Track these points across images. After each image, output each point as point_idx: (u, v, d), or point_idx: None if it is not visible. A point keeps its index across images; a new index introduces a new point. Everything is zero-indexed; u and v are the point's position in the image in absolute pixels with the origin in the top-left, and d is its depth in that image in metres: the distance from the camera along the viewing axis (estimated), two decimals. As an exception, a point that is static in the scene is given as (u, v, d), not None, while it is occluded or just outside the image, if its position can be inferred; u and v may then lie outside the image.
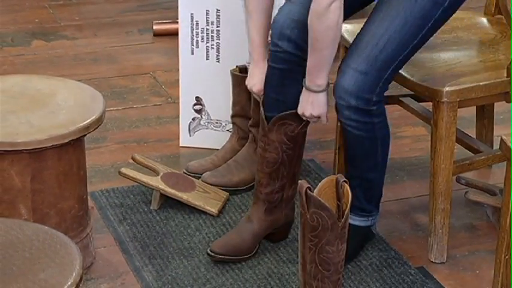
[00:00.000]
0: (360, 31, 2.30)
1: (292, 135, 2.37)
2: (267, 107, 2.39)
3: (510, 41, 2.55)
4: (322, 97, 2.29)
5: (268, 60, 2.38)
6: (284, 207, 2.47)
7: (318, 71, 2.25)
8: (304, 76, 2.30)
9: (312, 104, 2.29)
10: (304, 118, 2.34)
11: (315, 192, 2.02)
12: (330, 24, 2.17)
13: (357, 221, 2.44)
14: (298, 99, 2.33)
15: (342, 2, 2.17)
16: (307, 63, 2.26)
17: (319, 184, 2.06)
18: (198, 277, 2.39)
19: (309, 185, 2.01)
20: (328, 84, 2.29)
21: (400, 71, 2.44)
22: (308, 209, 1.99)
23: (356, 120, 2.30)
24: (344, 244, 2.03)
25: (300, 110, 2.33)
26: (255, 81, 2.42)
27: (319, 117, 2.32)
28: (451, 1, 2.29)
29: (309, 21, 2.21)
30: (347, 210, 2.01)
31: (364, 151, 2.36)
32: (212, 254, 2.41)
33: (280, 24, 2.35)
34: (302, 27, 2.29)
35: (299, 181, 2.04)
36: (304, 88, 2.30)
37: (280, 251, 2.49)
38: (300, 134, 2.39)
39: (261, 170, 2.42)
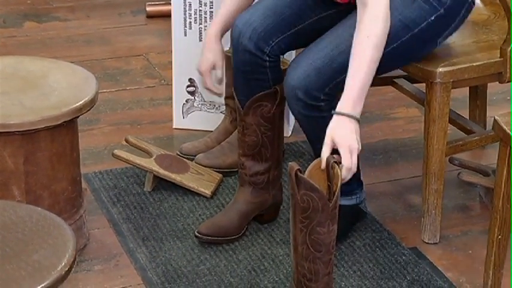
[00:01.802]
0: (324, 33, 2.24)
1: (268, 116, 2.36)
2: (238, 92, 2.39)
3: (503, 21, 2.54)
4: (356, 126, 2.09)
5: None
6: (271, 189, 2.47)
7: (360, 95, 2.10)
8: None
9: (357, 134, 2.07)
10: (349, 165, 2.06)
11: (306, 174, 2.02)
12: (375, 42, 2.07)
13: (341, 200, 2.42)
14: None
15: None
16: (348, 89, 2.10)
17: (310, 165, 2.06)
18: (191, 258, 2.39)
19: (299, 167, 2.00)
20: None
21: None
22: (299, 190, 1.99)
23: (305, 115, 2.24)
24: (335, 225, 2.04)
25: (346, 150, 2.05)
26: (201, 62, 2.38)
27: (353, 157, 2.07)
28: (423, 29, 2.24)
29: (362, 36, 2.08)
30: (337, 191, 2.02)
31: (320, 139, 2.18)
32: (199, 235, 2.41)
33: (238, 35, 2.34)
34: (261, 37, 2.30)
35: (290, 163, 2.02)
36: (340, 118, 2.09)
37: (273, 232, 2.50)
38: (277, 114, 2.38)
39: (243, 153, 2.42)
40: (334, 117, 2.10)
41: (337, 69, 2.20)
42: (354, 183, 2.42)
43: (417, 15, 2.24)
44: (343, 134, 2.07)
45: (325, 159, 2.05)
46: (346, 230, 2.46)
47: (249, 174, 2.43)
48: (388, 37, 2.15)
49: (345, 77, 2.15)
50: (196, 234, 2.42)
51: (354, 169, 2.08)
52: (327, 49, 2.22)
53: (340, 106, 2.11)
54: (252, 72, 2.37)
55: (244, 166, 2.44)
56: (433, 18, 2.26)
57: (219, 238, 2.42)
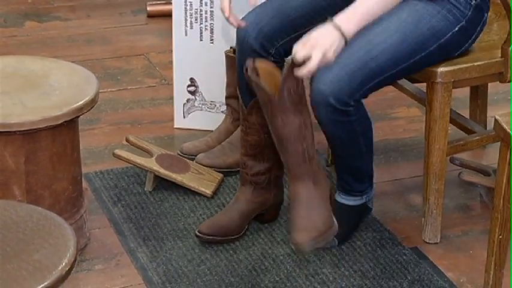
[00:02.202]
0: (355, 36, 2.20)
1: None
2: (242, 92, 2.39)
3: (504, 21, 2.54)
4: (340, 43, 2.14)
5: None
6: (272, 188, 2.47)
7: (359, 17, 2.15)
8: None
9: (330, 41, 2.12)
10: (300, 50, 2.11)
11: (260, 71, 2.14)
12: None
13: (351, 201, 2.44)
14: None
15: None
16: (352, 9, 2.15)
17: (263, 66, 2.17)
18: (192, 258, 2.39)
19: (255, 65, 2.13)
20: (350, 38, 2.16)
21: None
22: (251, 84, 2.15)
23: (333, 120, 2.23)
24: (291, 117, 2.11)
25: (306, 36, 2.12)
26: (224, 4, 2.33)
27: (318, 58, 2.10)
28: (448, 40, 2.27)
29: None
30: (281, 85, 2.11)
31: (344, 146, 2.31)
32: (200, 235, 2.41)
33: (243, 34, 2.34)
34: (267, 38, 2.31)
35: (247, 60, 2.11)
36: (330, 23, 2.14)
37: (274, 232, 2.50)
38: None
39: (245, 153, 2.43)
40: (327, 24, 2.14)
41: (368, 75, 2.20)
42: (367, 183, 2.44)
43: (443, 26, 2.26)
44: (325, 40, 2.12)
45: (294, 55, 2.11)
46: (354, 228, 2.46)
47: (251, 173, 2.43)
48: (416, 46, 2.21)
49: (374, 84, 2.21)
50: (197, 233, 2.42)
51: (311, 71, 2.11)
52: (360, 53, 2.19)
53: (339, 19, 2.15)
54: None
55: (245, 166, 2.44)
56: (456, 29, 2.28)
57: (220, 238, 2.42)
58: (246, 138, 2.41)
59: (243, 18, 2.36)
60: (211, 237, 2.41)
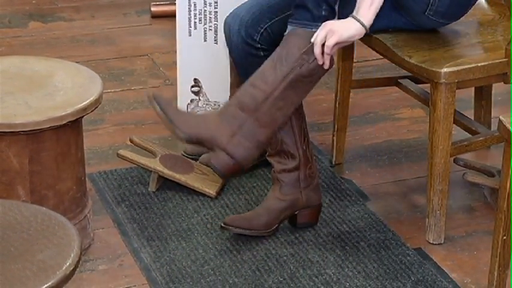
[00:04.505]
0: None
1: None
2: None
3: (508, 22, 2.54)
4: (355, 26, 2.23)
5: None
6: (302, 188, 2.44)
7: (369, 5, 2.23)
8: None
9: (343, 23, 2.24)
10: (316, 37, 2.24)
11: None
12: None
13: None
14: None
15: None
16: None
17: None
18: (196, 258, 2.39)
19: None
20: (367, 29, 2.25)
21: (398, 53, 2.44)
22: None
23: (243, 50, 2.35)
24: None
25: (325, 22, 2.24)
26: None
27: (332, 34, 2.22)
28: None
29: None
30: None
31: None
32: (224, 226, 2.39)
33: (228, 29, 2.43)
34: (249, 26, 2.38)
35: None
36: (351, 20, 2.25)
37: (278, 232, 2.50)
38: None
39: (269, 153, 2.43)
40: (348, 18, 2.25)
41: (273, 9, 2.31)
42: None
43: None
44: (339, 25, 2.24)
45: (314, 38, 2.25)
46: None
47: (276, 171, 2.43)
48: None
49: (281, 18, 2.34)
50: (222, 225, 2.40)
51: (316, 44, 2.23)
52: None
53: (356, 12, 2.24)
54: (250, 65, 2.38)
55: (272, 165, 2.44)
56: None
57: (245, 230, 2.40)
58: None
59: (226, 17, 2.45)
60: (237, 229, 2.39)
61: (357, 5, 2.26)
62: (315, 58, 2.26)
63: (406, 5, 2.42)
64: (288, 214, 2.46)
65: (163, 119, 2.25)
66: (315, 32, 2.26)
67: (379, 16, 2.29)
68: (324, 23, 2.25)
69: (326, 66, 2.27)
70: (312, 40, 2.25)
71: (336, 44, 2.24)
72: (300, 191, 2.44)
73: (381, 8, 2.27)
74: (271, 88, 2.26)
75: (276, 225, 2.44)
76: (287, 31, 2.31)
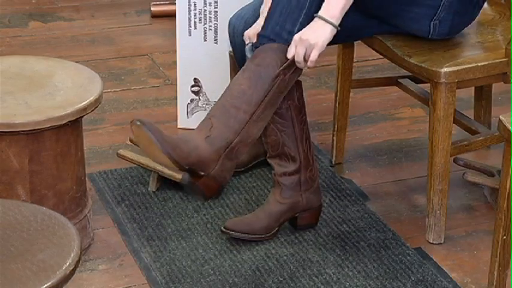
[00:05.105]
0: None
1: (281, 111, 2.35)
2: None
3: (508, 22, 2.54)
4: (327, 31, 2.22)
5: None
6: (303, 191, 2.44)
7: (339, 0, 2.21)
8: None
9: (315, 31, 2.22)
10: (294, 46, 2.24)
11: None
12: None
13: None
14: None
15: None
16: None
17: None
18: (196, 258, 2.39)
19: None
20: (338, 26, 2.23)
21: (398, 53, 2.44)
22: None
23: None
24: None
25: (297, 34, 2.24)
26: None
27: (312, 48, 2.22)
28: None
29: None
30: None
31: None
32: (226, 230, 2.40)
33: (232, 29, 2.44)
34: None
35: None
36: (316, 18, 2.24)
37: (278, 232, 2.49)
38: (291, 108, 2.36)
39: (269, 155, 2.43)
40: (314, 20, 2.23)
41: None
42: None
43: None
44: (317, 37, 2.22)
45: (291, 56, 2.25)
46: None
47: (277, 174, 2.43)
48: None
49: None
50: (223, 229, 2.40)
51: (300, 60, 2.23)
52: None
53: (322, 11, 2.23)
54: None
55: (273, 167, 2.44)
56: None
57: (245, 234, 2.40)
58: (266, 140, 2.40)
59: (231, 18, 2.46)
60: (237, 233, 2.39)
61: (325, 3, 2.23)
62: (292, 71, 2.27)
63: (409, 32, 2.43)
64: (288, 217, 2.46)
65: (157, 148, 2.29)
66: (288, 45, 2.25)
67: (380, 23, 2.31)
68: (295, 36, 2.24)
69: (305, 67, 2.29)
70: (289, 56, 2.25)
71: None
72: (300, 194, 2.44)
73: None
74: (254, 108, 2.27)
75: (276, 228, 2.44)
76: (253, 47, 2.31)
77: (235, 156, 2.30)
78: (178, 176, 2.64)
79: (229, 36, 2.47)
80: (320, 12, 2.23)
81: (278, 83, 2.26)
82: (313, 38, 2.22)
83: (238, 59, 2.48)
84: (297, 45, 2.23)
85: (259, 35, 2.29)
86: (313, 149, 2.48)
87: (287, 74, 2.27)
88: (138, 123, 2.29)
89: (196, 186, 2.31)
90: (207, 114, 2.32)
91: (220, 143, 2.27)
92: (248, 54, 2.32)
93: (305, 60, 2.24)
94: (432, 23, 2.38)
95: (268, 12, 2.29)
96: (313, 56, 2.22)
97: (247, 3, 2.53)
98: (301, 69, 2.28)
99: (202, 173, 2.29)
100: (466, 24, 2.46)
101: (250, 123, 2.28)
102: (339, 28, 2.24)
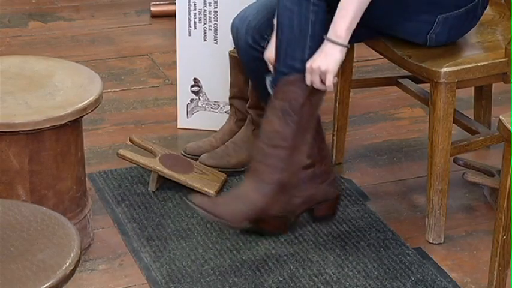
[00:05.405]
0: None
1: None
2: (258, 91, 2.45)
3: (508, 21, 2.54)
4: (337, 52, 2.23)
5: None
6: (319, 183, 2.45)
7: (341, 18, 2.21)
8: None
9: (325, 55, 2.23)
10: (309, 75, 2.27)
11: None
12: None
13: None
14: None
15: None
16: (339, 17, 2.22)
17: None
18: (196, 258, 2.39)
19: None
20: (347, 44, 2.24)
21: (398, 53, 2.44)
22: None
23: (249, 52, 2.37)
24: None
25: (308, 62, 2.26)
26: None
27: (325, 74, 2.24)
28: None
29: None
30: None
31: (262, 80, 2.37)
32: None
33: (235, 31, 2.45)
34: (256, 31, 2.39)
35: None
36: (325, 41, 2.25)
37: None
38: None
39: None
40: (323, 44, 2.25)
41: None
42: None
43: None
44: (328, 63, 2.23)
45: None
46: None
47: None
48: None
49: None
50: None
51: (318, 86, 2.25)
52: None
53: (330, 33, 2.24)
54: (257, 68, 2.41)
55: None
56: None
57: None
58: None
59: (234, 18, 2.45)
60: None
61: (331, 24, 2.24)
62: (316, 94, 2.29)
63: (407, 41, 2.44)
64: (304, 209, 2.46)
65: (211, 218, 2.33)
66: (304, 73, 2.27)
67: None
68: (307, 66, 2.26)
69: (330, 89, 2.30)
70: (308, 84, 2.27)
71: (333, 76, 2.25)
72: (316, 187, 2.45)
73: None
74: (291, 142, 2.30)
75: (294, 220, 2.45)
76: (273, 83, 2.33)
77: (290, 187, 2.35)
78: (177, 175, 2.64)
79: (233, 38, 2.48)
80: (328, 34, 2.24)
81: (306, 111, 2.29)
82: (324, 64, 2.23)
83: (242, 59, 2.48)
84: (310, 74, 2.26)
85: (275, 68, 2.32)
86: (326, 142, 2.50)
87: (312, 99, 2.30)
88: (190, 203, 2.33)
89: (262, 230, 2.38)
90: (252, 161, 2.36)
91: (270, 186, 2.31)
92: (270, 90, 2.34)
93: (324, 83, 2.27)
94: (429, 36, 2.39)
95: (276, 43, 2.31)
96: (328, 80, 2.24)
97: (248, 4, 2.53)
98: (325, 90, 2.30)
99: (264, 217, 2.35)
100: (465, 33, 2.46)
101: (292, 155, 2.31)
102: (348, 46, 2.24)
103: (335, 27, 2.23)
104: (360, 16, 2.22)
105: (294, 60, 2.27)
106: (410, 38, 2.42)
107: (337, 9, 2.23)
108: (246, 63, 2.48)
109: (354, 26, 2.23)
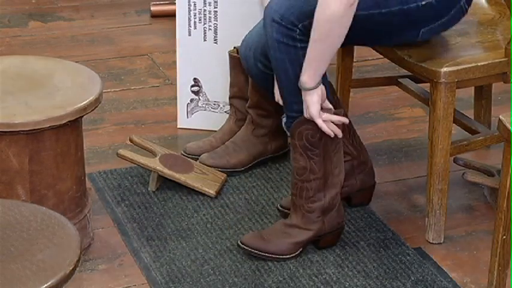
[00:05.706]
0: None
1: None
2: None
3: (508, 21, 2.54)
4: (312, 96, 2.26)
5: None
6: (357, 173, 2.55)
7: (305, 68, 2.24)
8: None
9: (305, 103, 2.28)
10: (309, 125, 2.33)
11: None
12: (330, 15, 2.15)
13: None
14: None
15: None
16: (306, 63, 2.25)
17: None
18: (196, 258, 2.39)
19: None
20: (318, 82, 2.25)
21: (398, 52, 2.44)
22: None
23: (278, 40, 2.27)
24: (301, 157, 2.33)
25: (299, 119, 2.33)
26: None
27: (315, 120, 2.28)
28: (412, 9, 2.30)
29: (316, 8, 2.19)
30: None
31: (287, 72, 2.32)
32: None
33: (244, 60, 2.52)
34: (265, 57, 2.42)
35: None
36: (304, 93, 2.29)
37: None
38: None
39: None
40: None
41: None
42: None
43: None
44: (310, 109, 2.27)
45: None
46: None
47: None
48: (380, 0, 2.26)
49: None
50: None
51: (323, 128, 2.28)
52: None
53: (300, 81, 2.26)
54: (272, 85, 2.49)
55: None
56: (423, 3, 2.31)
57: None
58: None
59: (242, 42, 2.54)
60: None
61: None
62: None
63: (398, 41, 2.46)
64: (342, 198, 2.50)
65: (262, 257, 2.38)
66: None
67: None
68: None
69: (339, 135, 2.33)
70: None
71: (320, 111, 2.27)
72: (355, 177, 2.53)
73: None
74: (321, 172, 2.35)
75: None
76: (286, 125, 2.37)
77: (334, 206, 2.40)
78: (177, 175, 2.65)
79: (245, 68, 2.58)
80: (299, 83, 2.26)
81: (325, 141, 2.33)
82: (307, 112, 2.28)
83: (260, 86, 2.59)
84: (309, 124, 2.31)
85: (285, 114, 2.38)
86: (358, 137, 2.55)
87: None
88: (242, 245, 2.38)
89: (319, 246, 2.43)
90: (291, 199, 2.41)
91: (316, 215, 2.38)
92: (286, 131, 2.39)
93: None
94: (417, 41, 2.42)
95: (279, 92, 2.38)
96: (320, 124, 2.27)
97: (248, 6, 2.54)
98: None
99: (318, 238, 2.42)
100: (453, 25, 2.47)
101: (326, 181, 2.37)
102: (321, 84, 2.26)
103: (302, 76, 2.25)
104: (328, 59, 2.24)
105: (298, 104, 2.31)
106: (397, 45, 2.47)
107: (306, 59, 2.25)
108: (266, 88, 2.55)
109: (323, 69, 2.25)
